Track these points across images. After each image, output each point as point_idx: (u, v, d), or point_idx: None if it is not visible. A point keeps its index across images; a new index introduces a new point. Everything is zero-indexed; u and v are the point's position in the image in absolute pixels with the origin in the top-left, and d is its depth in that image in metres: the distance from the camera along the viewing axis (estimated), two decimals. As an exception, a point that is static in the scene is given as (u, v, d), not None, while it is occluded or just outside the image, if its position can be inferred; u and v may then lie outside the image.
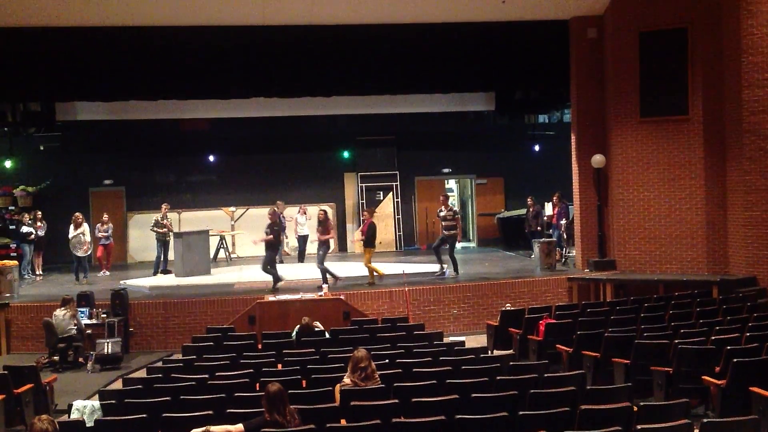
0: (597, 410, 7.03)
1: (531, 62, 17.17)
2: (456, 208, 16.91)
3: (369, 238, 15.66)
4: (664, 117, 15.58)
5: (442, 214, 16.66)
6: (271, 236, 15.43)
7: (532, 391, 7.63)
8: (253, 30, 15.99)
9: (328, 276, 15.42)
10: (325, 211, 16.40)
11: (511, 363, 9.49)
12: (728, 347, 8.91)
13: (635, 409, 7.06)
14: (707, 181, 15.20)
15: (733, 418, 7.04)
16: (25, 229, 18.14)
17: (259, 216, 20.52)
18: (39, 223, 18.63)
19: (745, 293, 13.18)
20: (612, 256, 16.18)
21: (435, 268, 16.68)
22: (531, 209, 19.32)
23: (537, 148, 23.52)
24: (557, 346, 10.85)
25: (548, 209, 19.07)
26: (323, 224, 15.79)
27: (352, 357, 7.93)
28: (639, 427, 6.41)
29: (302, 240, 20.02)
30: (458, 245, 20.99)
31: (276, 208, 18.05)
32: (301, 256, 19.95)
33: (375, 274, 15.69)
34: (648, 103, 15.69)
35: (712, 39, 15.08)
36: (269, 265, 15.53)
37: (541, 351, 11.11)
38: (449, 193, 25.06)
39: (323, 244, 15.69)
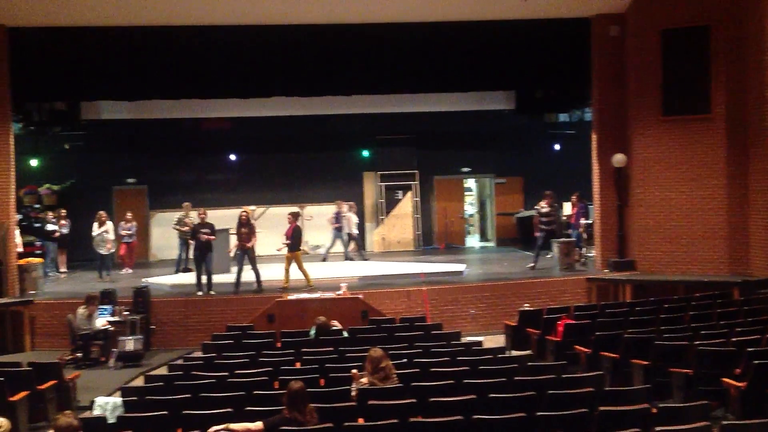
0: (615, 412, 7.02)
1: (552, 61, 17.06)
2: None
3: (295, 243, 15.50)
4: (686, 116, 15.47)
5: (544, 210, 16.67)
6: (213, 237, 15.48)
7: (550, 391, 7.64)
8: (274, 29, 16.09)
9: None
10: (247, 213, 16.13)
11: (529, 363, 9.50)
12: (749, 349, 8.87)
13: (654, 410, 7.05)
14: (729, 181, 15.08)
15: (753, 420, 6.98)
16: (49, 227, 18.34)
17: (280, 215, 20.62)
18: (63, 221, 18.84)
19: (766, 295, 13.06)
20: (632, 257, 16.09)
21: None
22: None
23: (557, 147, 23.39)
24: (575, 346, 10.82)
25: (567, 209, 18.98)
26: (248, 226, 15.61)
27: (370, 357, 7.96)
28: (658, 429, 6.41)
29: (350, 237, 20.04)
30: (477, 245, 20.85)
31: (337, 206, 18.61)
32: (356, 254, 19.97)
33: (301, 279, 15.57)
34: (670, 102, 15.59)
35: (734, 37, 14.96)
36: (209, 271, 15.40)
37: (560, 352, 11.09)
38: (467, 193, 25.07)
39: (245, 249, 15.46)
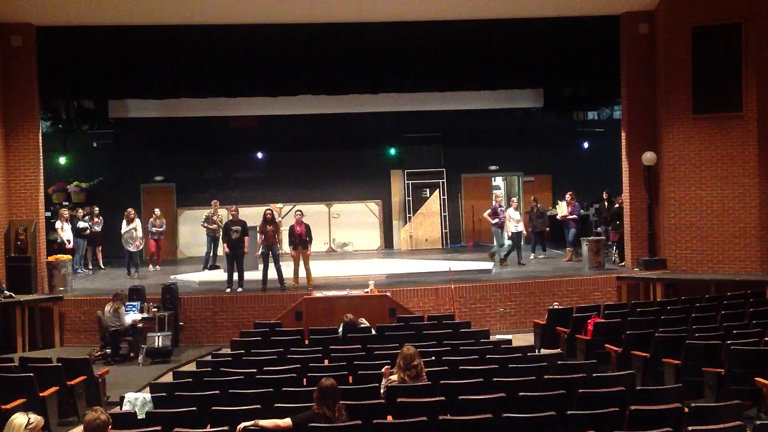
0: (647, 411, 6.94)
1: (580, 58, 16.95)
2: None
3: (307, 240, 15.40)
4: (717, 114, 15.29)
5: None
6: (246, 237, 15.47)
7: (580, 390, 7.57)
8: (301, 27, 16.09)
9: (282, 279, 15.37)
10: (272, 211, 15.97)
11: (559, 362, 9.42)
12: (782, 348, 8.74)
13: (686, 410, 6.95)
14: (761, 179, 14.88)
15: (788, 420, 6.90)
16: (80, 224, 18.49)
17: (308, 213, 20.67)
18: (96, 219, 19.01)
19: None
20: (662, 255, 15.92)
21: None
22: (535, 209, 19.07)
23: (586, 145, 23.24)
24: (606, 345, 10.72)
25: (563, 208, 18.76)
26: (273, 223, 15.51)
27: (402, 354, 7.92)
28: (690, 428, 6.31)
29: (517, 236, 18.37)
30: (505, 243, 20.75)
31: (495, 202, 18.65)
32: (519, 253, 18.38)
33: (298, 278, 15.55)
34: (701, 100, 15.41)
35: (766, 34, 14.75)
36: (241, 269, 15.32)
37: (590, 350, 10.99)
38: (496, 191, 24.92)
39: (270, 247, 15.41)
